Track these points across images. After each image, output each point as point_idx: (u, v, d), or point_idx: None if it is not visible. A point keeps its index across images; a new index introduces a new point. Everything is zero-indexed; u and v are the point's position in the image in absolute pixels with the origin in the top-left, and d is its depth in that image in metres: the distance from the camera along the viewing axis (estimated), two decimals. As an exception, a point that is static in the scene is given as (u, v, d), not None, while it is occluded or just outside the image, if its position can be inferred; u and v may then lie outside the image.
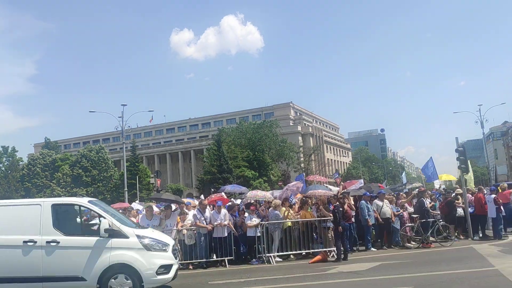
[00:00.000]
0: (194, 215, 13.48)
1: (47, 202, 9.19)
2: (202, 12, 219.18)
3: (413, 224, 15.08)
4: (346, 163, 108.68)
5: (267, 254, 13.17)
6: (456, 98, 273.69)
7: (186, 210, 14.04)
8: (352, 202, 15.40)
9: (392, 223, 15.19)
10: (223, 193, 20.20)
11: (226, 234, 13.25)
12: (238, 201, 17.42)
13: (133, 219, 13.34)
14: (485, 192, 17.14)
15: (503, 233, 15.64)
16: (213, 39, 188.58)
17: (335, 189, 18.13)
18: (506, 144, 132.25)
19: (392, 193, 18.01)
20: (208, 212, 13.60)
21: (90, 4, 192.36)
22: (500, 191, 16.67)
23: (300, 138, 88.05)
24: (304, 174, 36.48)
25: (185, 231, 13.08)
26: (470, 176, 17.28)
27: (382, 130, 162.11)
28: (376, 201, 15.55)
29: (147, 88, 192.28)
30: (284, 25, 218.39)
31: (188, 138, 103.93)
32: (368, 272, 10.66)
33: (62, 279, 8.61)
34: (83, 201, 9.62)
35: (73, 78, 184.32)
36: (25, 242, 8.68)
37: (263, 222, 13.50)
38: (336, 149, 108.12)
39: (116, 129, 40.96)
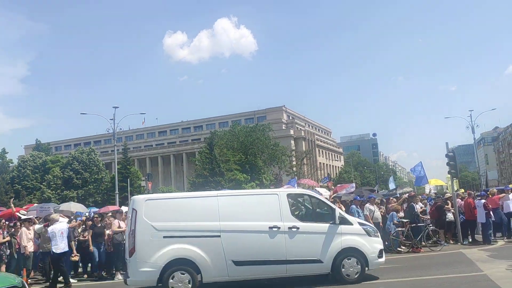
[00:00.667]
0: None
1: (283, 192, 10.35)
2: (195, 15, 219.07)
3: (403, 229, 15.11)
4: (338, 167, 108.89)
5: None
6: (447, 103, 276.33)
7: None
8: (343, 207, 15.38)
9: (381, 228, 15.20)
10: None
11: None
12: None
13: (122, 223, 13.27)
14: (472, 194, 17.29)
15: (492, 238, 15.72)
16: (206, 41, 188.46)
17: (326, 194, 18.14)
18: (497, 150, 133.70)
19: (383, 199, 18.05)
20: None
21: (83, 6, 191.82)
22: (490, 196, 16.77)
23: (292, 141, 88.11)
24: (296, 178, 36.58)
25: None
26: (455, 181, 17.39)
27: (374, 134, 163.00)
28: (368, 205, 15.57)
29: (140, 90, 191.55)
30: (277, 29, 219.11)
31: (180, 141, 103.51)
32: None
33: (303, 261, 9.52)
34: (310, 191, 11.27)
35: (65, 79, 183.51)
36: (270, 228, 9.43)
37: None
38: (328, 153, 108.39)
39: (108, 131, 40.60)
